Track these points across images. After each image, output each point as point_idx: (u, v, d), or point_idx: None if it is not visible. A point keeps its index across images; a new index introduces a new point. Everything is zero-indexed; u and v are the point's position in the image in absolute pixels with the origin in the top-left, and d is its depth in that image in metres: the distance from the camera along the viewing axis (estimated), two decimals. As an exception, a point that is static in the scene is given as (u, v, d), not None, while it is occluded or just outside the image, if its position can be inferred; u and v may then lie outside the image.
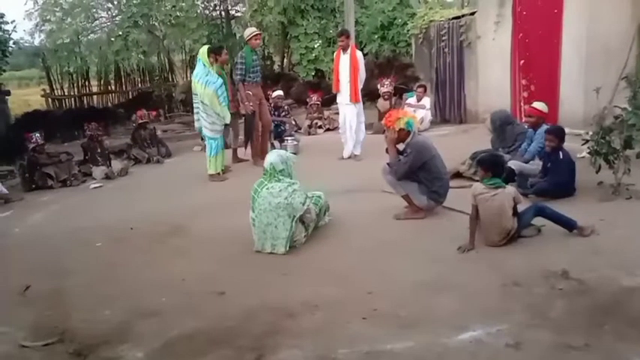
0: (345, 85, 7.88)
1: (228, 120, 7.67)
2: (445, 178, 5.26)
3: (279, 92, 10.58)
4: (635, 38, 7.65)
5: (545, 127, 5.85)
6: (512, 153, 6.16)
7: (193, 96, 7.74)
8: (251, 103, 7.89)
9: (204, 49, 7.61)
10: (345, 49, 7.84)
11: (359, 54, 7.98)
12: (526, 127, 6.35)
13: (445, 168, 5.32)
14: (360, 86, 8.03)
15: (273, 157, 4.82)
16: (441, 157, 5.24)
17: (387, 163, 5.27)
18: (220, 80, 7.48)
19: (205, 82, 7.35)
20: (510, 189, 4.35)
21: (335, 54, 8.13)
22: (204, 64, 7.44)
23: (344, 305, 3.59)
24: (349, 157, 8.14)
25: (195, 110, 7.79)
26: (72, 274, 4.56)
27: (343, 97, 8.00)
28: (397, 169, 5.10)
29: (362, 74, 7.97)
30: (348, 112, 7.98)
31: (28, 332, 3.58)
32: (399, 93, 11.10)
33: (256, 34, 7.96)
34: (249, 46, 7.94)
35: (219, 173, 7.64)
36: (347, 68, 7.80)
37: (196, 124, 7.94)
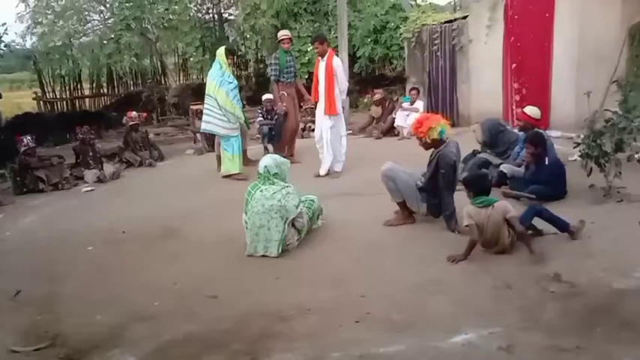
0: (322, 95, 7.22)
1: (242, 120, 7.73)
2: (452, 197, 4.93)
3: (269, 95, 10.56)
4: (625, 42, 7.72)
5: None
6: (506, 159, 6.19)
7: (206, 96, 7.66)
8: (284, 104, 7.92)
9: (222, 50, 7.64)
10: (322, 56, 7.22)
11: (336, 61, 7.26)
12: (517, 131, 6.39)
13: (456, 185, 4.98)
14: (343, 96, 7.48)
15: (267, 160, 4.84)
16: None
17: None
18: (235, 82, 7.57)
19: (220, 83, 7.41)
20: (499, 204, 4.22)
21: (316, 61, 7.61)
22: (220, 65, 7.49)
23: (337, 309, 3.59)
24: (326, 175, 7.37)
25: (206, 111, 7.64)
26: (63, 278, 4.53)
27: (320, 109, 7.34)
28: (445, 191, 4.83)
29: (342, 83, 7.29)
30: (324, 125, 7.27)
31: (18, 337, 3.55)
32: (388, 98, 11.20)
33: (284, 38, 8.12)
34: (282, 48, 8.09)
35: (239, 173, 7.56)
36: (322, 76, 7.18)
37: (203, 125, 7.80)
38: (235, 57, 7.85)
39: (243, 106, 7.92)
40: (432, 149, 4.93)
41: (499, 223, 4.13)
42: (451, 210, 4.86)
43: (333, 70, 7.11)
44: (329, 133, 7.25)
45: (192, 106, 11.34)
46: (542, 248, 4.17)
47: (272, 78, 8.19)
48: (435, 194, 4.93)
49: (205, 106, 7.68)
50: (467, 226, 4.23)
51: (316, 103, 7.52)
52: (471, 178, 4.51)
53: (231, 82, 7.49)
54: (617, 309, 3.25)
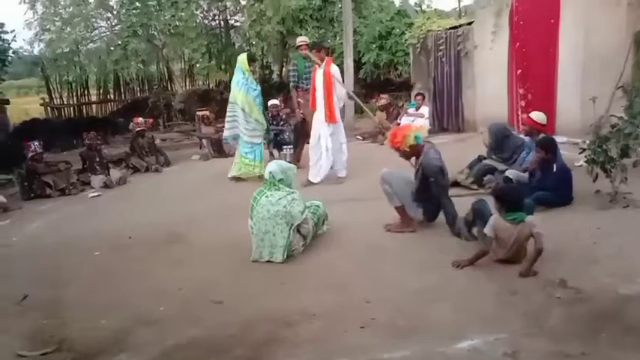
0: (321, 102, 7.18)
1: (265, 126, 7.79)
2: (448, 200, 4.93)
3: (275, 101, 10.59)
4: (630, 48, 7.70)
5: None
6: (511, 165, 6.17)
7: (229, 104, 7.70)
8: (301, 111, 7.95)
9: (243, 57, 7.67)
10: (321, 63, 7.20)
11: (334, 69, 7.22)
12: (523, 136, 6.37)
13: (448, 187, 5.08)
14: (341, 104, 7.46)
15: (272, 166, 4.87)
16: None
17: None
18: (259, 89, 7.63)
19: (246, 90, 7.45)
20: (529, 219, 4.04)
21: (312, 69, 7.54)
22: (243, 72, 7.53)
23: (342, 314, 3.59)
24: (319, 182, 7.26)
25: (230, 119, 7.71)
26: (70, 283, 4.55)
27: (318, 116, 7.27)
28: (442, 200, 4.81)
29: (340, 91, 7.29)
30: (323, 132, 7.23)
31: (25, 341, 3.57)
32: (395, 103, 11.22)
33: (302, 44, 8.17)
34: (300, 54, 8.13)
35: (260, 176, 7.51)
36: (321, 85, 7.15)
37: (227, 133, 7.85)
38: (256, 63, 7.84)
39: (264, 113, 7.96)
40: (414, 159, 4.95)
41: (527, 238, 4.00)
42: (453, 214, 4.84)
43: (332, 78, 7.10)
44: (329, 141, 7.21)
45: (198, 112, 11.38)
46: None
47: (291, 84, 8.28)
48: (429, 200, 4.92)
49: (229, 113, 7.70)
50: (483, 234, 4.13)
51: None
52: (505, 192, 4.29)
53: (255, 89, 7.54)
54: (622, 315, 3.24)
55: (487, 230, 4.08)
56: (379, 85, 15.02)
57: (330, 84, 7.08)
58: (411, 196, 5.01)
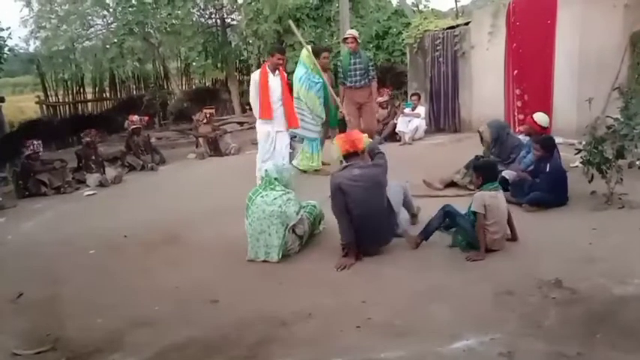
0: (279, 109, 6.74)
1: (324, 118, 7.64)
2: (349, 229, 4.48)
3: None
4: (626, 50, 7.73)
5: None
6: (508, 165, 6.16)
7: (295, 99, 7.44)
8: (341, 109, 7.69)
9: (306, 51, 7.50)
10: (275, 70, 6.77)
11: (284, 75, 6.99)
12: (520, 137, 6.38)
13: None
14: None
15: (269, 165, 4.87)
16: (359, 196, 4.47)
17: None
18: (322, 80, 7.40)
19: (307, 87, 7.35)
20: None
21: (260, 75, 6.70)
22: (306, 67, 7.41)
23: (338, 314, 3.59)
24: None
25: (298, 112, 7.37)
26: (65, 281, 4.54)
27: (277, 124, 6.77)
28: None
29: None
30: (282, 140, 6.86)
31: (20, 340, 3.56)
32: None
33: (347, 37, 7.94)
34: (347, 49, 7.96)
35: (316, 170, 7.59)
36: (279, 90, 6.72)
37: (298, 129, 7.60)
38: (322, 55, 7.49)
39: (326, 103, 7.64)
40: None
41: (506, 205, 4.43)
42: (347, 239, 4.50)
43: (287, 84, 6.95)
44: (287, 151, 6.94)
45: (205, 110, 11.17)
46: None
47: (339, 81, 8.13)
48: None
49: (295, 106, 7.33)
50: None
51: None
52: (484, 165, 4.69)
53: (317, 82, 7.34)
54: (617, 316, 3.25)
55: (476, 208, 4.26)
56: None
57: (288, 89, 6.95)
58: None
